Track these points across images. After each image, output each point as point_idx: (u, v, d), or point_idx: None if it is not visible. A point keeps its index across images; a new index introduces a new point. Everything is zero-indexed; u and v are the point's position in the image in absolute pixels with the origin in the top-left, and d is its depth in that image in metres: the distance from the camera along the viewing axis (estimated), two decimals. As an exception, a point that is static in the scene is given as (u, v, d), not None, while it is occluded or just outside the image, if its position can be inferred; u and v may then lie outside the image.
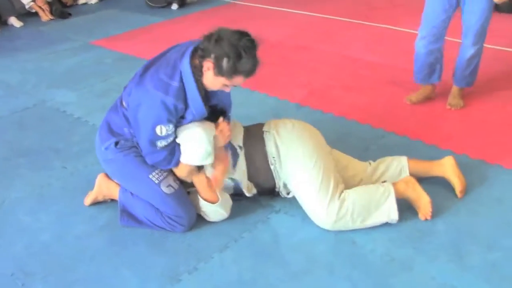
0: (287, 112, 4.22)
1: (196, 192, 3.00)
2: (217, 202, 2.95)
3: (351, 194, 2.90)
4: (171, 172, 2.96)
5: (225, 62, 2.59)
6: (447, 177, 3.16)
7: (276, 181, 3.04)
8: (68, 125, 4.31)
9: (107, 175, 3.19)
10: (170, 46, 2.90)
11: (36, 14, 7.60)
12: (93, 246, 2.92)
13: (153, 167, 2.91)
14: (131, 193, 3.03)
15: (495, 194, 3.17)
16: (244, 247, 2.86)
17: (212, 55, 2.61)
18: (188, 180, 2.98)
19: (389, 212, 2.90)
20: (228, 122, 2.97)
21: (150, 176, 2.89)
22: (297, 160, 2.94)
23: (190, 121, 2.82)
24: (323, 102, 4.47)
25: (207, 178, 2.95)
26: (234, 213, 3.08)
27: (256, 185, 3.08)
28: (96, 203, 3.23)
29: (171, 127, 2.76)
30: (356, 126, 4.06)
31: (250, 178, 3.05)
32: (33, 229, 3.08)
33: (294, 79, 5.01)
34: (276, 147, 2.98)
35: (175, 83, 2.69)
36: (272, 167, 3.00)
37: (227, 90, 2.82)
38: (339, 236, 2.89)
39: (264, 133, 3.04)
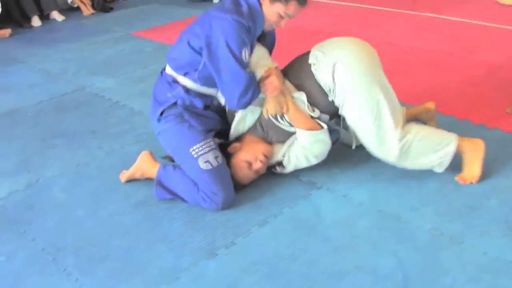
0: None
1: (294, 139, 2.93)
2: (323, 128, 2.87)
3: (415, 127, 2.83)
4: (215, 148, 2.86)
5: None
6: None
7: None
8: (106, 108, 4.25)
9: (151, 154, 3.13)
10: None
11: (78, 8, 7.61)
12: (127, 222, 2.83)
13: (197, 140, 2.82)
14: (173, 168, 2.96)
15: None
16: (284, 222, 2.74)
17: None
18: (279, 113, 2.86)
19: (442, 160, 2.83)
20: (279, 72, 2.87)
21: (191, 150, 2.81)
22: (355, 89, 2.81)
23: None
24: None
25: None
26: (275, 190, 2.98)
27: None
28: (131, 181, 3.15)
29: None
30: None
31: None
32: (67, 205, 3.01)
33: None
34: (330, 76, 2.83)
35: (245, 8, 2.69)
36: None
37: (282, 24, 2.80)
38: (383, 212, 2.75)
39: (312, 65, 2.89)
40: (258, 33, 2.82)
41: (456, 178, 2.90)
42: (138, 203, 2.97)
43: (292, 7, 2.71)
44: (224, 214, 2.81)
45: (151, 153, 3.13)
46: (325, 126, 2.88)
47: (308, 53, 2.93)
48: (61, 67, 5.32)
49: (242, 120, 2.95)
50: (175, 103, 2.88)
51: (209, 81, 2.83)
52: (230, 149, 2.96)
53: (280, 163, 2.98)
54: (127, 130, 3.78)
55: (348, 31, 5.70)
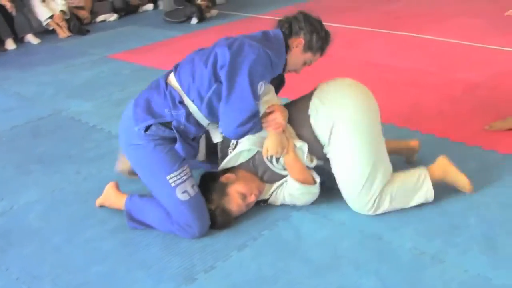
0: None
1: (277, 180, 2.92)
2: (315, 184, 2.86)
3: (389, 187, 2.78)
4: (191, 175, 2.80)
5: (315, 38, 2.78)
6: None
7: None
8: (83, 132, 4.20)
9: (116, 185, 3.07)
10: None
11: (53, 31, 7.57)
12: (104, 248, 2.78)
13: (174, 167, 2.72)
14: (140, 198, 2.91)
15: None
16: (264, 245, 2.71)
17: (303, 32, 2.78)
18: (278, 154, 2.77)
19: (426, 194, 2.83)
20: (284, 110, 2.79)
21: (168, 177, 2.71)
22: (351, 152, 2.76)
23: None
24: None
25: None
26: (254, 213, 2.94)
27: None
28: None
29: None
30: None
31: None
32: (43, 232, 2.96)
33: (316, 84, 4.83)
34: (328, 132, 2.80)
35: (274, 45, 2.73)
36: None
37: (300, 70, 2.93)
38: (364, 232, 2.73)
39: (310, 116, 2.85)
40: (278, 72, 2.80)
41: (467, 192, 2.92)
42: (115, 228, 2.92)
43: (318, 56, 2.88)
44: (201, 240, 2.77)
45: (116, 185, 3.08)
46: (318, 180, 2.86)
47: (308, 99, 2.89)
48: (37, 91, 5.27)
49: (237, 156, 2.90)
50: (168, 122, 2.73)
51: (212, 112, 2.70)
52: (224, 178, 2.88)
53: (265, 201, 2.96)
54: (105, 154, 3.73)
55: (328, 51, 5.71)
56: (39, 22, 7.50)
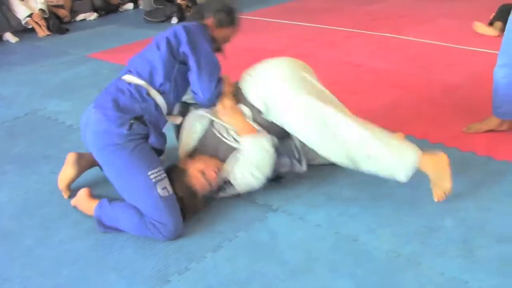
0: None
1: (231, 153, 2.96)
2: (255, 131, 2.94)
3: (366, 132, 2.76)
4: (167, 176, 2.80)
5: (222, 16, 3.12)
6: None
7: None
8: (59, 132, 4.13)
9: (89, 191, 3.03)
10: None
11: (32, 30, 7.48)
12: (77, 250, 2.73)
13: (155, 163, 2.77)
14: (108, 203, 2.87)
15: (505, 190, 2.99)
16: (239, 246, 2.67)
17: (208, 14, 3.12)
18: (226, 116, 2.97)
19: (405, 169, 2.74)
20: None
21: (149, 173, 2.71)
22: (288, 109, 2.87)
23: None
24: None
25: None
26: (229, 213, 2.91)
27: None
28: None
29: None
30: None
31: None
32: (14, 233, 2.90)
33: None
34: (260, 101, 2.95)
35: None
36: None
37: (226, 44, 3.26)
38: (340, 233, 2.70)
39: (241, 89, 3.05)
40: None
41: (435, 198, 2.84)
42: (88, 229, 2.87)
43: (235, 29, 3.25)
44: (176, 241, 2.72)
45: (89, 191, 3.03)
46: (268, 135, 2.91)
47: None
48: (14, 90, 5.19)
49: (192, 132, 3.00)
50: (142, 117, 2.82)
51: (178, 94, 3.03)
52: (183, 163, 2.93)
53: (227, 181, 2.93)
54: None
55: (308, 52, 5.71)
56: (18, 21, 7.41)
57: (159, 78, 2.91)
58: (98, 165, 3.08)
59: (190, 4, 8.10)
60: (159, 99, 2.92)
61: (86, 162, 3.22)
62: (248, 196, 3.00)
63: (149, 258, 2.62)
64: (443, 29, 6.39)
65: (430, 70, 4.98)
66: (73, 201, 3.04)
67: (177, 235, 2.73)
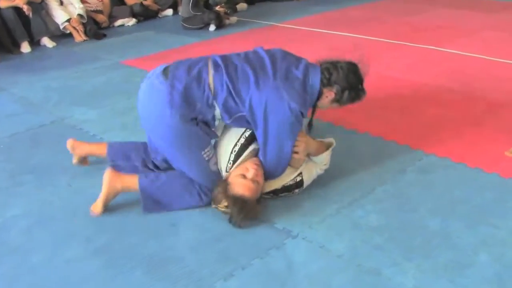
0: (318, 131, 3.83)
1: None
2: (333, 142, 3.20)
3: None
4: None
5: (346, 95, 2.94)
6: None
7: None
8: (82, 142, 4.02)
9: (114, 169, 3.06)
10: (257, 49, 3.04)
11: (70, 35, 7.46)
12: (85, 270, 2.60)
13: (205, 144, 2.93)
14: (155, 176, 3.02)
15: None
16: (252, 275, 2.50)
17: (336, 87, 2.91)
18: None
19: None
20: None
21: (203, 153, 2.90)
22: None
23: None
24: (359, 122, 4.10)
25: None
26: (246, 238, 2.76)
27: None
28: (96, 222, 2.93)
29: None
30: (394, 147, 3.68)
31: None
32: (23, 249, 2.78)
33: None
34: None
35: (307, 96, 2.87)
36: None
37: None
38: (362, 266, 2.51)
39: None
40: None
41: None
42: (99, 248, 2.74)
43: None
44: (187, 264, 2.58)
45: (114, 169, 3.06)
46: (333, 140, 3.20)
47: None
48: (44, 96, 5.12)
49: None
50: (195, 118, 2.87)
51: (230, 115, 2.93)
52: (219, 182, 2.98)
53: (300, 183, 3.06)
54: (100, 167, 3.53)
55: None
56: (56, 25, 7.41)
57: (220, 100, 2.84)
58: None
59: (228, 11, 7.99)
60: (217, 112, 2.89)
61: (81, 151, 3.44)
62: (268, 219, 2.85)
63: (158, 282, 2.48)
64: (488, 42, 6.13)
65: (472, 86, 4.75)
66: (101, 199, 3.01)
67: None
